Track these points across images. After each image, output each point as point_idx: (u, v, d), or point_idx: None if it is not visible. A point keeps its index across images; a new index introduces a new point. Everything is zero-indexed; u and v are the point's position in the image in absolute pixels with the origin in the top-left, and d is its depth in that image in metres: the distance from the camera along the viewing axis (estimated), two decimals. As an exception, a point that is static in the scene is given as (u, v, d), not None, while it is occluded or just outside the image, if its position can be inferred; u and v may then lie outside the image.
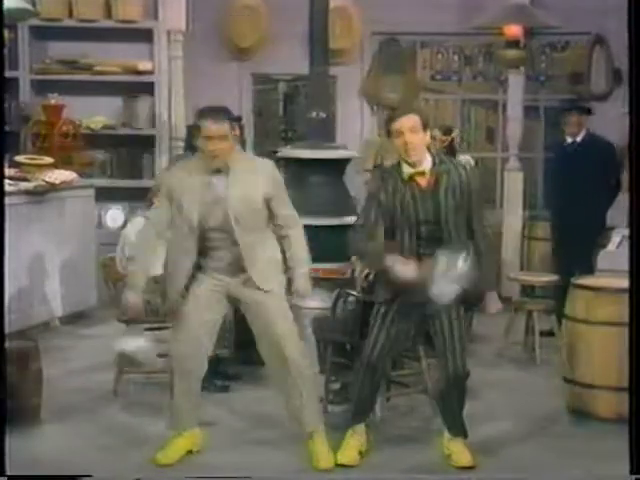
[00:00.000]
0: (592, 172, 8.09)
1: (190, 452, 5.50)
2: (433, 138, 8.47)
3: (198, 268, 5.33)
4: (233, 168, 5.22)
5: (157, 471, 5.30)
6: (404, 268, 5.09)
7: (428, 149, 5.33)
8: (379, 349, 5.31)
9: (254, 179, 5.24)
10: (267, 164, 5.42)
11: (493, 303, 5.65)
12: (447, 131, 8.71)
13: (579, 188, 8.10)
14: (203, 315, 5.32)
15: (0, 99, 4.77)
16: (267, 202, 5.28)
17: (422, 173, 5.24)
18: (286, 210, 5.39)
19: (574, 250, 8.03)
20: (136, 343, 6.54)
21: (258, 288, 5.27)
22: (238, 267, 5.28)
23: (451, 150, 8.71)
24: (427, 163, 5.26)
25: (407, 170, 5.25)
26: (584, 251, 7.89)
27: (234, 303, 5.45)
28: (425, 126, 5.25)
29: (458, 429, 5.49)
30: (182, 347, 5.34)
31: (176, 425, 5.51)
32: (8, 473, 4.36)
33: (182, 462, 5.41)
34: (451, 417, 5.49)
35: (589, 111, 8.40)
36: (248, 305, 5.36)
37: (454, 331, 5.29)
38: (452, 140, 8.69)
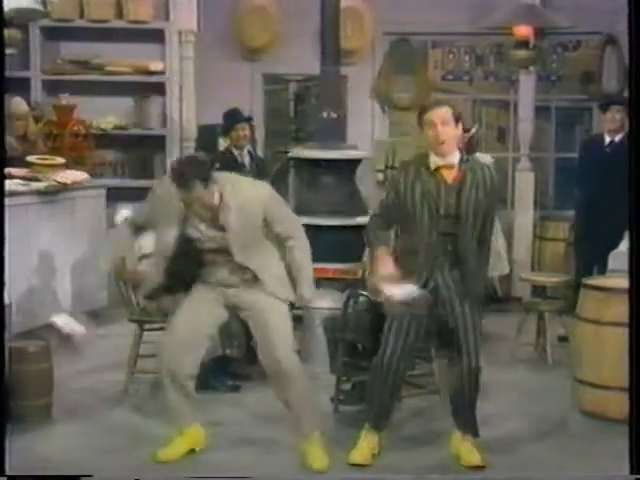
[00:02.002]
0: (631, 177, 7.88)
1: (193, 451, 5.51)
2: None
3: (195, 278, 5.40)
4: (226, 194, 5.20)
5: (159, 469, 5.31)
6: (393, 290, 5.09)
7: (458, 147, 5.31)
8: (391, 350, 5.28)
9: (251, 201, 5.24)
10: (262, 188, 5.43)
11: None
12: (465, 129, 8.66)
13: (613, 191, 7.89)
14: (198, 320, 5.35)
15: (0, 101, 4.76)
16: (267, 222, 5.30)
17: (450, 166, 5.22)
18: (288, 224, 5.38)
19: (599, 251, 7.90)
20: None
21: (263, 291, 5.29)
22: (237, 280, 5.32)
23: (470, 148, 8.67)
24: (455, 158, 5.24)
25: (435, 160, 5.21)
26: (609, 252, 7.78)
27: (234, 310, 5.43)
28: (457, 120, 5.23)
29: (469, 428, 5.47)
30: (172, 351, 5.37)
31: (177, 422, 5.53)
32: (8, 473, 4.34)
33: (190, 460, 5.43)
34: (463, 415, 5.48)
35: None
36: (248, 309, 5.37)
37: (468, 326, 5.27)
38: (471, 137, 8.65)
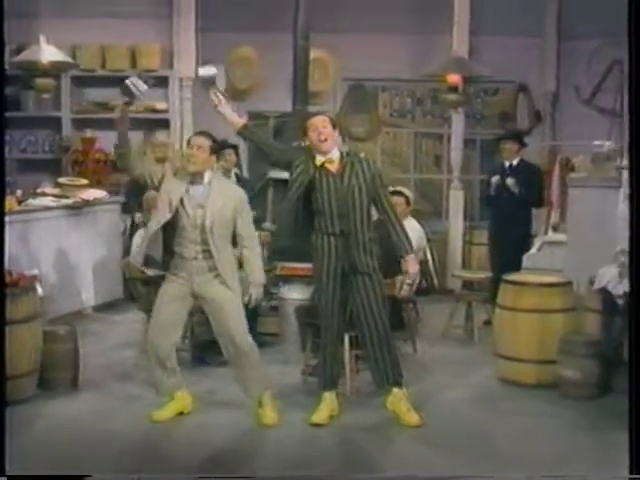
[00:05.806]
0: (523, 190, 8.03)
1: (182, 413, 5.48)
2: None
3: (167, 268, 5.34)
4: (213, 184, 5.27)
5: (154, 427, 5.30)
6: None
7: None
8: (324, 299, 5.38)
9: (228, 198, 5.28)
10: (239, 190, 5.46)
11: (412, 265, 5.40)
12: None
13: (512, 203, 8.03)
14: (169, 310, 5.31)
15: (0, 106, 4.68)
16: (234, 221, 5.29)
17: (331, 161, 5.30)
18: (247, 232, 5.36)
19: (505, 253, 7.98)
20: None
21: (223, 284, 5.25)
22: (204, 267, 5.26)
23: None
24: (335, 154, 5.33)
25: (319, 158, 5.31)
26: (514, 254, 7.83)
27: (197, 299, 5.36)
28: (333, 126, 5.33)
29: (386, 380, 5.39)
30: (153, 334, 5.36)
31: (159, 391, 5.49)
32: (8, 473, 4.12)
33: (184, 421, 5.42)
34: (378, 370, 5.39)
35: (522, 143, 8.30)
36: (210, 301, 5.31)
37: (369, 291, 5.29)
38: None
